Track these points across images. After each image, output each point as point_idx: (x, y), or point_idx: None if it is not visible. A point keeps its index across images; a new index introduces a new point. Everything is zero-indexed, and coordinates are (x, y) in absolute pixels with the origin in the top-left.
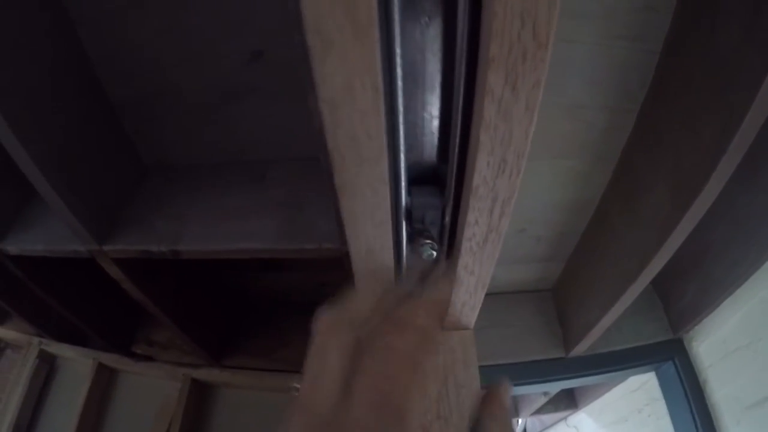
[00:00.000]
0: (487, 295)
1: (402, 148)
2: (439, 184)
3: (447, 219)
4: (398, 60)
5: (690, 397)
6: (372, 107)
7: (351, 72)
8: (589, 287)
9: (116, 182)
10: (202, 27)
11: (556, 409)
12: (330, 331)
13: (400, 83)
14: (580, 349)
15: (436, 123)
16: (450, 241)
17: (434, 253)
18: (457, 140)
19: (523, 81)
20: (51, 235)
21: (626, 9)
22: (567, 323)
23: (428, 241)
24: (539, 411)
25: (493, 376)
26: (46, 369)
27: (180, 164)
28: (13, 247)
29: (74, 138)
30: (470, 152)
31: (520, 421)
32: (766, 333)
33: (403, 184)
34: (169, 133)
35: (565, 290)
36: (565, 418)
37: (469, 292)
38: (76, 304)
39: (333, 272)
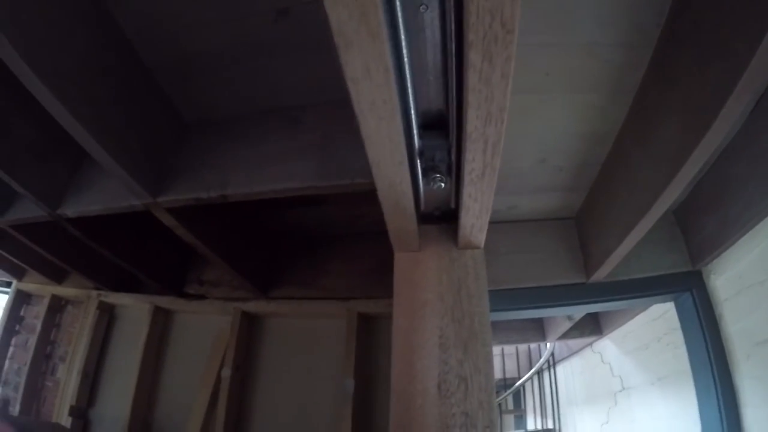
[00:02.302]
0: (512, 222)
1: (412, 105)
2: (446, 129)
3: (453, 157)
4: (404, 44)
5: (705, 329)
6: (384, 82)
7: (367, 59)
8: (608, 216)
9: (162, 140)
10: None
11: (582, 335)
12: None
13: (406, 60)
14: (600, 275)
15: (440, 82)
16: (457, 175)
17: (443, 185)
18: (454, 98)
19: (498, 56)
20: (105, 194)
21: None
22: (587, 250)
23: (437, 175)
24: (565, 336)
25: (517, 299)
26: (107, 318)
27: (219, 117)
28: (71, 210)
29: (119, 105)
30: (464, 108)
31: (548, 344)
32: None
33: (415, 132)
34: (206, 90)
35: (587, 218)
36: (590, 344)
37: (475, 215)
38: (130, 254)
39: (364, 205)
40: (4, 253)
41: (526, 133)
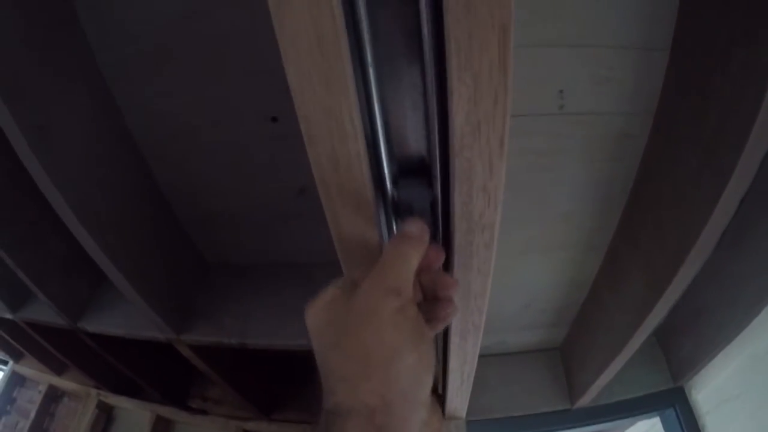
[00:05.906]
0: (500, 355)
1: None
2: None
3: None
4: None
5: None
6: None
7: None
8: (587, 351)
9: (185, 279)
10: (257, 169)
11: None
12: None
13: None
14: (584, 402)
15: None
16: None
17: None
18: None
19: (477, 259)
20: (129, 319)
21: (604, 136)
22: (571, 380)
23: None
24: None
25: (506, 428)
26: (105, 418)
27: (239, 265)
28: (92, 327)
29: (147, 245)
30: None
31: None
32: (754, 384)
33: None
34: (228, 241)
35: (569, 350)
36: None
37: (455, 387)
38: (135, 362)
39: None
40: (3, 334)
41: (510, 286)
